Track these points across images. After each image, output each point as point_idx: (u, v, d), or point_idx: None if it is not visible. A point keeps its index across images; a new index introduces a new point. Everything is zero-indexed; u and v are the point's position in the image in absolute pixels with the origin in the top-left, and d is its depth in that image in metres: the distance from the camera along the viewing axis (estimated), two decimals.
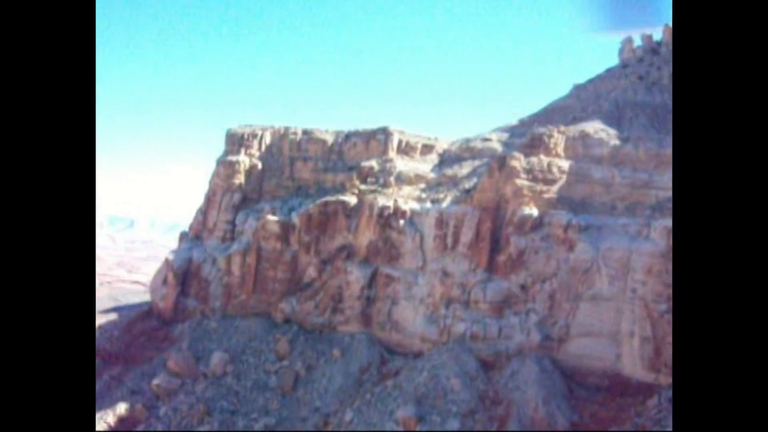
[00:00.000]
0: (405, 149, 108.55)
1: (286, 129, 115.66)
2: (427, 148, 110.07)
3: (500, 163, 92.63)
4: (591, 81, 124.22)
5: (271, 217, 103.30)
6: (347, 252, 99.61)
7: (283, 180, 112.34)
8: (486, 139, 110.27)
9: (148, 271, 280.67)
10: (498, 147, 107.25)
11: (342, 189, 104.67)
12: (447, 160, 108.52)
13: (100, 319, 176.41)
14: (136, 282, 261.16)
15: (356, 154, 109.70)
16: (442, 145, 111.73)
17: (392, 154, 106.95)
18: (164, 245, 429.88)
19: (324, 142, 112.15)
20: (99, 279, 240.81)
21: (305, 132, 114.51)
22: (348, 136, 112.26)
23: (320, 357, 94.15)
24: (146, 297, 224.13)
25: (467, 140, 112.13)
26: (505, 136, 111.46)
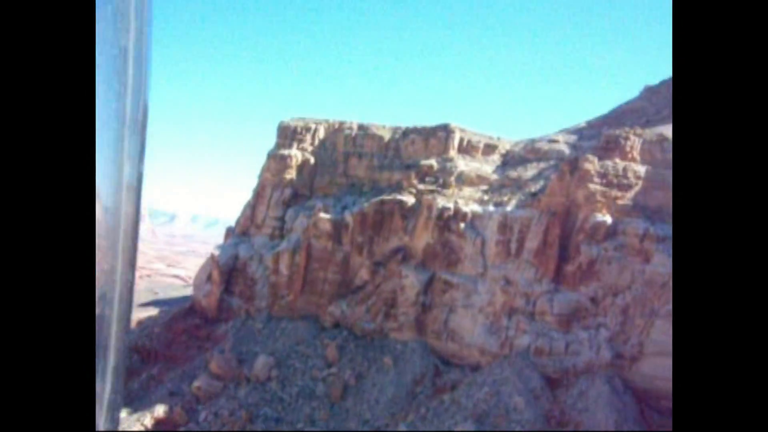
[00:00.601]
0: (466, 148, 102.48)
1: (341, 123, 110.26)
2: (490, 148, 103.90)
3: (572, 165, 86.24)
4: (664, 83, 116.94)
5: (324, 215, 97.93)
6: (403, 254, 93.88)
7: (336, 177, 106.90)
8: (552, 141, 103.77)
9: (187, 265, 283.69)
10: (565, 149, 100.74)
11: (398, 188, 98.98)
12: (510, 161, 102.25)
13: (139, 313, 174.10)
14: (176, 276, 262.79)
15: (414, 151, 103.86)
16: (504, 146, 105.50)
17: (453, 153, 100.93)
18: (204, 241, 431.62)
19: (380, 138, 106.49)
20: (139, 272, 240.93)
21: (361, 127, 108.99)
22: (406, 132, 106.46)
23: (371, 365, 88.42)
24: (185, 291, 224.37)
25: (532, 141, 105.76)
26: (572, 137, 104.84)
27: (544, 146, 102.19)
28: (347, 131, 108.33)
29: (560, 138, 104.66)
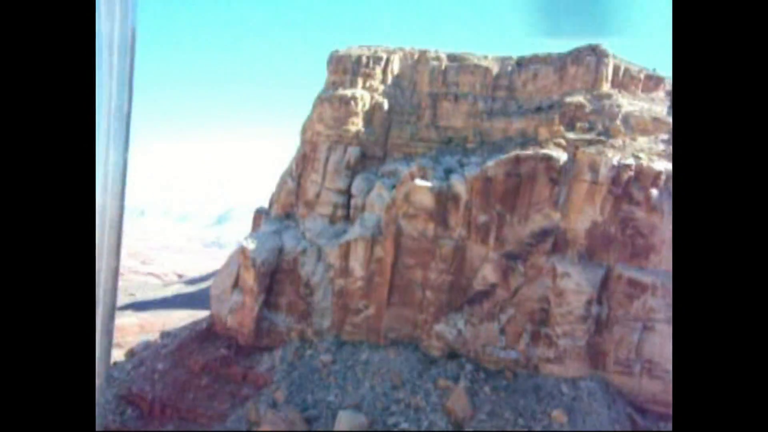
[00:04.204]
0: (622, 81, 68.82)
1: (423, 53, 75.35)
2: (652, 82, 70.40)
3: None
4: None
5: (421, 182, 63.21)
6: (554, 241, 59.90)
7: (421, 128, 72.13)
8: None
9: (162, 262, 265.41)
10: None
11: (526, 141, 65.08)
12: None
13: (118, 319, 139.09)
14: (151, 274, 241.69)
15: (539, 89, 69.91)
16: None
17: (607, 87, 67.13)
18: (177, 235, 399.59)
19: (485, 71, 71.88)
20: None
21: (453, 57, 74.26)
22: (520, 63, 72.18)
23: (529, 422, 54.31)
24: (165, 292, 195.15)
25: None
26: None
27: None
28: (434, 62, 73.50)
29: None
